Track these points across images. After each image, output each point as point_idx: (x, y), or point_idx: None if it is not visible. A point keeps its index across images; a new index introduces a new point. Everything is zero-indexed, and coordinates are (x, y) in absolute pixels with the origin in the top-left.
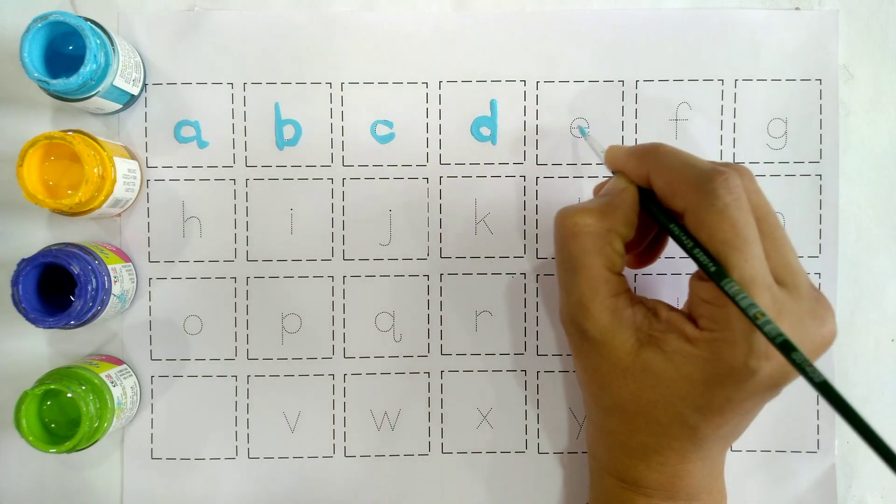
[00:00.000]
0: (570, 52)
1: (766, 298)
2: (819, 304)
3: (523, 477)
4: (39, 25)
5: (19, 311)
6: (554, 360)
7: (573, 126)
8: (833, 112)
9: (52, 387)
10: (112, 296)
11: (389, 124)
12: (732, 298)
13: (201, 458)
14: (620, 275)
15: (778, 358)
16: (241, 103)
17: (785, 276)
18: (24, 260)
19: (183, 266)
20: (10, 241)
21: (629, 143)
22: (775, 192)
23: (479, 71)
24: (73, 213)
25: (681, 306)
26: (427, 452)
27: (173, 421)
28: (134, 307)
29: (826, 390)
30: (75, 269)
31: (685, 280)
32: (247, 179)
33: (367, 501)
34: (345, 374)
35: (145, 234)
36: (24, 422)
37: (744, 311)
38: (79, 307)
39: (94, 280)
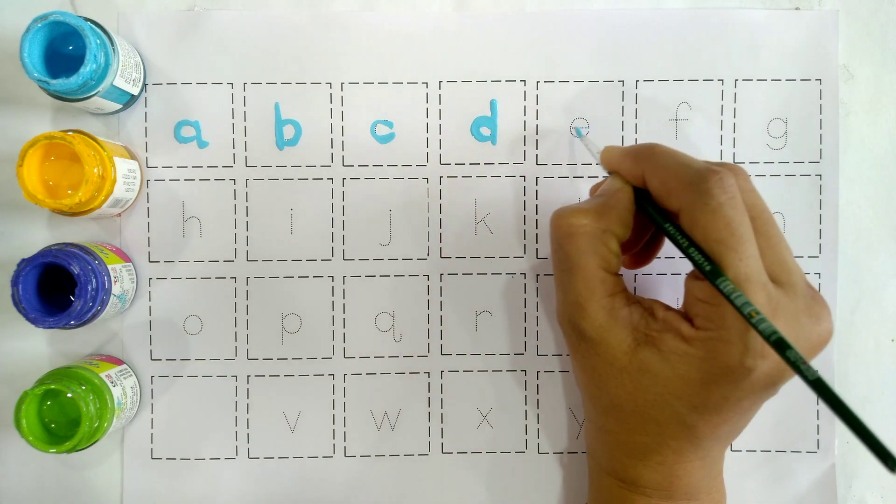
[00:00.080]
0: (570, 52)
1: (761, 297)
2: (815, 302)
3: (523, 477)
4: (39, 25)
5: (19, 311)
6: (554, 360)
7: (573, 126)
8: (833, 112)
9: (52, 387)
10: (112, 296)
11: (389, 124)
12: (727, 297)
13: (201, 458)
14: (617, 275)
15: (774, 356)
16: (241, 103)
17: (780, 274)
18: (24, 260)
19: (183, 266)
20: (10, 241)
21: (629, 143)
22: (775, 193)
23: (479, 71)
24: (73, 213)
25: (679, 306)
26: (427, 452)
27: (173, 421)
28: (134, 307)
29: (820, 387)
30: (75, 269)
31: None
32: (247, 179)
33: (367, 501)
34: (345, 374)
35: (145, 234)
36: (24, 422)
37: (738, 309)
38: (79, 307)
39: (94, 280)
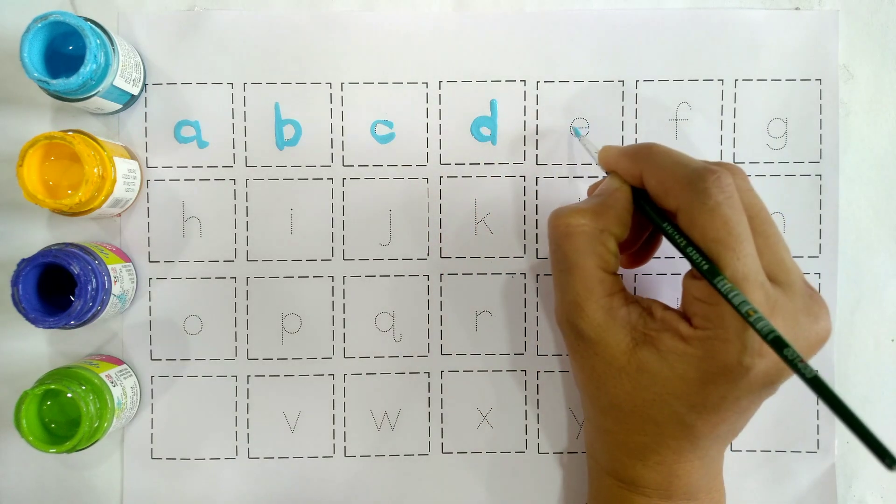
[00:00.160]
0: (570, 52)
1: (758, 296)
2: (813, 301)
3: (523, 477)
4: (39, 25)
5: (19, 311)
6: (554, 360)
7: (572, 126)
8: (833, 112)
9: (52, 387)
10: (112, 296)
11: (389, 124)
12: (725, 296)
13: (201, 458)
14: (615, 274)
15: (772, 355)
16: (241, 103)
17: (778, 273)
18: (24, 260)
19: (183, 266)
20: (10, 241)
21: (629, 143)
22: (775, 193)
23: (479, 71)
24: (73, 213)
25: (679, 306)
26: (427, 452)
27: (173, 421)
28: (134, 307)
29: (818, 385)
30: (75, 269)
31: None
32: (247, 179)
33: (367, 501)
34: (345, 374)
35: (145, 234)
36: (24, 422)
37: (736, 308)
38: (79, 307)
39: (94, 280)
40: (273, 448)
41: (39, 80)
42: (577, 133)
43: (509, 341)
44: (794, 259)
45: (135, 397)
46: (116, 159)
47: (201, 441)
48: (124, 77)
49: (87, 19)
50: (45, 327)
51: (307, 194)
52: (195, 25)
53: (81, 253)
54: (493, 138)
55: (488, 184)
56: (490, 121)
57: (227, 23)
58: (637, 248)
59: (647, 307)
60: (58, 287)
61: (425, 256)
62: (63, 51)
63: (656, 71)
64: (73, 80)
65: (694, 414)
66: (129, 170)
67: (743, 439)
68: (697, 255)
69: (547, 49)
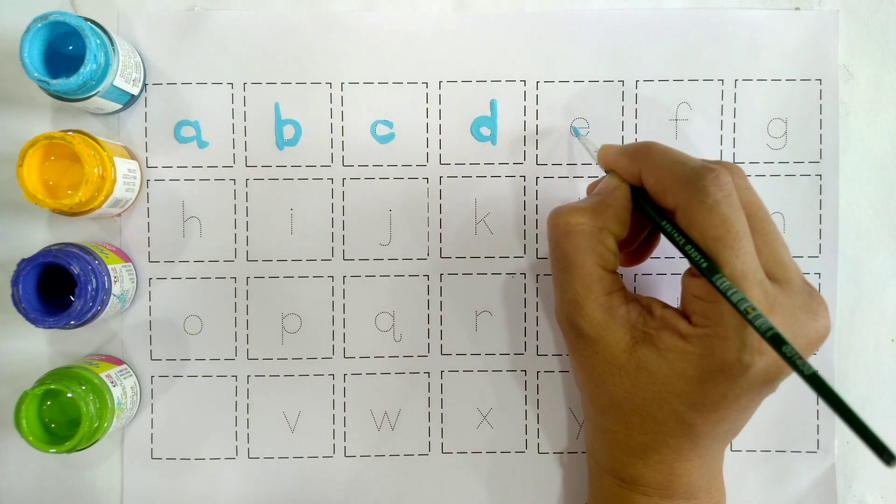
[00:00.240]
0: (570, 52)
1: (757, 293)
2: (812, 299)
3: (523, 477)
4: (39, 25)
5: (19, 311)
6: (553, 360)
7: (571, 125)
8: (833, 112)
9: (52, 387)
10: (112, 296)
11: (389, 124)
12: (723, 294)
13: (201, 458)
14: (614, 273)
15: (771, 353)
16: (241, 103)
17: (776, 271)
18: (24, 260)
19: (183, 266)
20: (10, 241)
21: (629, 142)
22: (775, 192)
23: (479, 71)
24: (73, 213)
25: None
26: (427, 452)
27: (173, 421)
28: (134, 307)
29: (816, 382)
30: (75, 269)
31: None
32: (247, 179)
33: (367, 501)
34: (345, 374)
35: (145, 234)
36: (24, 422)
37: (735, 305)
38: (79, 307)
39: (94, 280)
40: (273, 448)
41: (39, 80)
42: (576, 132)
43: (509, 341)
44: (794, 259)
45: (135, 397)
46: (116, 159)
47: (201, 441)
48: (124, 77)
49: (87, 19)
50: (45, 327)
51: (307, 194)
52: (195, 25)
53: (81, 253)
54: (493, 138)
55: (488, 184)
56: (490, 121)
57: (227, 23)
58: (636, 247)
59: (647, 305)
60: (58, 287)
61: (425, 256)
62: (63, 51)
63: (656, 71)
64: (73, 80)
65: (694, 412)
66: (129, 170)
67: (743, 439)
68: (696, 254)
69: (547, 49)
